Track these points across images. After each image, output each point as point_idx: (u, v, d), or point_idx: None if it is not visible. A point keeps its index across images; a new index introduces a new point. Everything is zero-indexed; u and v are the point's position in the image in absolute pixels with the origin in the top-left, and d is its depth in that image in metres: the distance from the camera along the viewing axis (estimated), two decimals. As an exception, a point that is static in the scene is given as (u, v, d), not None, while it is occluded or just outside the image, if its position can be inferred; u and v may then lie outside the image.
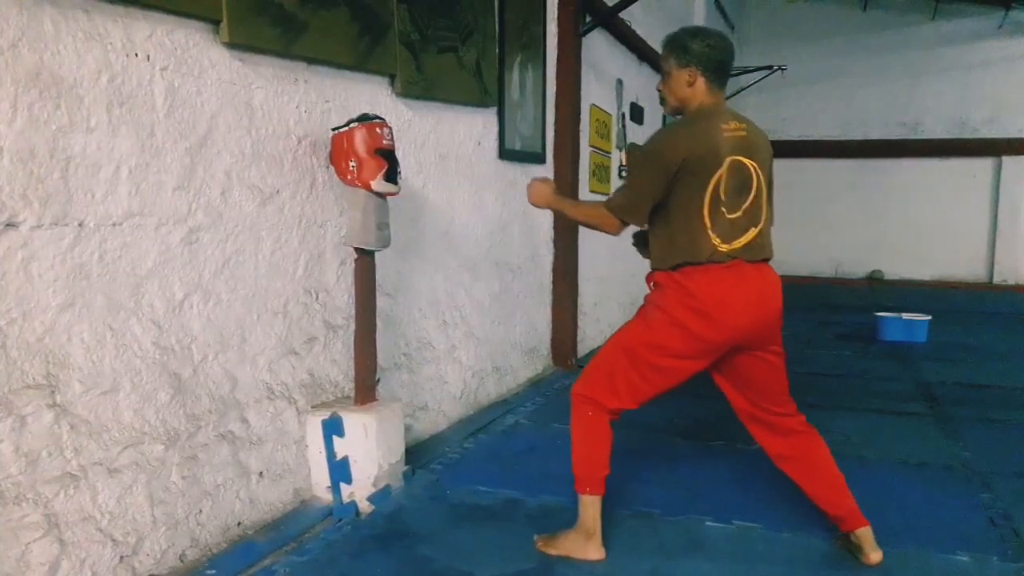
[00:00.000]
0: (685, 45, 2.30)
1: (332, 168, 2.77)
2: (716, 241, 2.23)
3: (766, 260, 2.35)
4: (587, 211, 2.55)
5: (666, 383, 2.38)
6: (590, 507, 2.41)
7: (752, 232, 2.28)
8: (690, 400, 4.52)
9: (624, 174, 6.58)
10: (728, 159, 2.21)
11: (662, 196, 2.26)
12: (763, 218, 2.32)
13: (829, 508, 2.47)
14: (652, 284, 2.41)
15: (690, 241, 2.24)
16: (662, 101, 2.43)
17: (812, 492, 2.49)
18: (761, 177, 2.29)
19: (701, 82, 2.30)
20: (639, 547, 2.52)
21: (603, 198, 6.52)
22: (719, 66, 2.30)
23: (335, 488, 2.77)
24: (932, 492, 3.07)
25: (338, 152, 2.73)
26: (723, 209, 2.23)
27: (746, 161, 2.25)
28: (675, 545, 2.53)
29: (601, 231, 2.47)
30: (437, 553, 2.45)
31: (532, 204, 2.64)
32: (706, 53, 2.28)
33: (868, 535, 2.41)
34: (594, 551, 2.40)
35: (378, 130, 2.70)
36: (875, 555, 2.39)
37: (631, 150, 6.60)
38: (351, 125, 2.69)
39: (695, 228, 2.23)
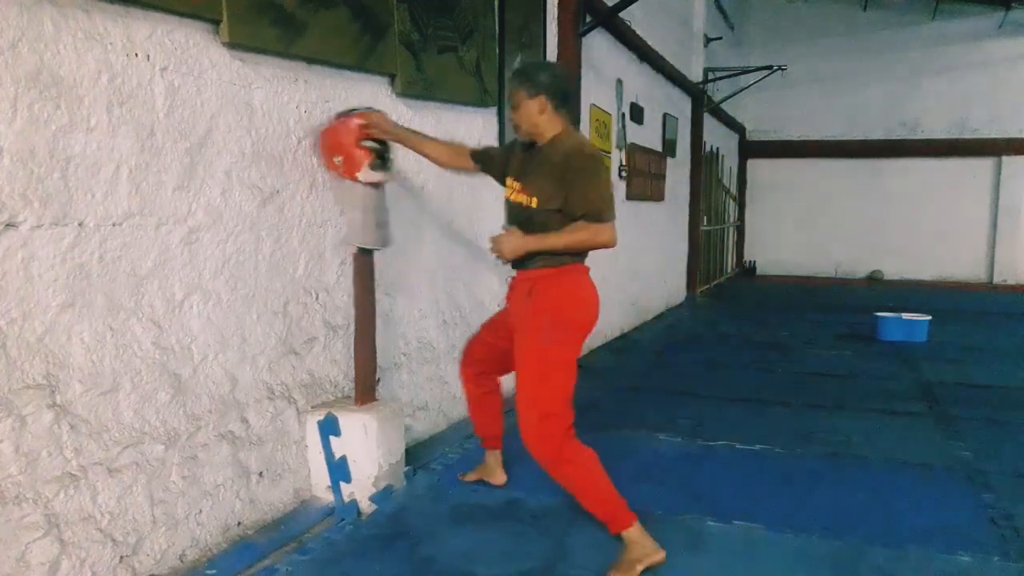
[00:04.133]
0: (533, 77, 2.50)
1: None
2: None
3: None
4: (579, 237, 2.41)
5: None
6: (638, 536, 2.40)
7: None
8: (691, 400, 4.53)
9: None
10: None
11: None
12: None
13: (487, 430, 3.04)
14: (526, 286, 2.48)
15: None
16: (516, 128, 2.59)
17: (478, 416, 3.03)
18: None
19: (550, 108, 2.48)
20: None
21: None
22: (564, 95, 2.52)
23: (335, 488, 2.77)
24: (933, 492, 3.06)
25: (324, 148, 2.74)
26: None
27: None
28: (676, 544, 2.53)
29: (601, 247, 2.44)
30: (440, 553, 2.45)
31: (508, 259, 2.50)
32: (553, 83, 2.49)
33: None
34: (658, 554, 2.40)
35: (359, 121, 2.71)
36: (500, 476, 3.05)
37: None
38: (333, 121, 2.73)
39: None
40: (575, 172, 2.38)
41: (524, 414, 2.42)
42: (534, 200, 2.44)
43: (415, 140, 2.88)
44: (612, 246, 2.43)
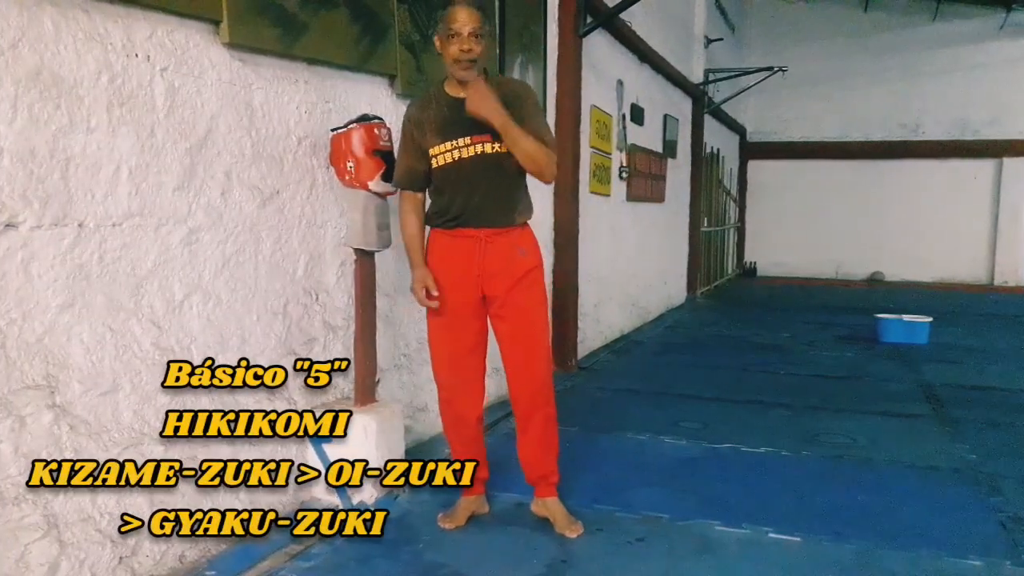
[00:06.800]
0: (490, 20, 2.45)
1: (332, 169, 2.77)
2: None
3: None
4: (537, 148, 2.37)
5: None
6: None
7: None
8: (694, 402, 4.52)
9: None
10: None
11: None
12: None
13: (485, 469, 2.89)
14: (505, 241, 2.52)
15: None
16: (468, 62, 2.37)
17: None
18: None
19: None
20: (648, 552, 2.49)
21: (603, 199, 6.39)
22: None
23: (341, 492, 2.75)
24: (941, 494, 3.04)
25: (337, 153, 2.72)
26: None
27: None
28: (685, 549, 2.51)
29: (548, 176, 2.46)
30: (446, 559, 2.43)
31: (474, 111, 2.32)
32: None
33: None
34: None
35: (376, 131, 2.70)
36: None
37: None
38: (349, 126, 2.69)
39: None
40: (534, 106, 2.47)
41: (537, 362, 2.58)
42: (503, 145, 2.39)
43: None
44: (551, 180, 2.51)
